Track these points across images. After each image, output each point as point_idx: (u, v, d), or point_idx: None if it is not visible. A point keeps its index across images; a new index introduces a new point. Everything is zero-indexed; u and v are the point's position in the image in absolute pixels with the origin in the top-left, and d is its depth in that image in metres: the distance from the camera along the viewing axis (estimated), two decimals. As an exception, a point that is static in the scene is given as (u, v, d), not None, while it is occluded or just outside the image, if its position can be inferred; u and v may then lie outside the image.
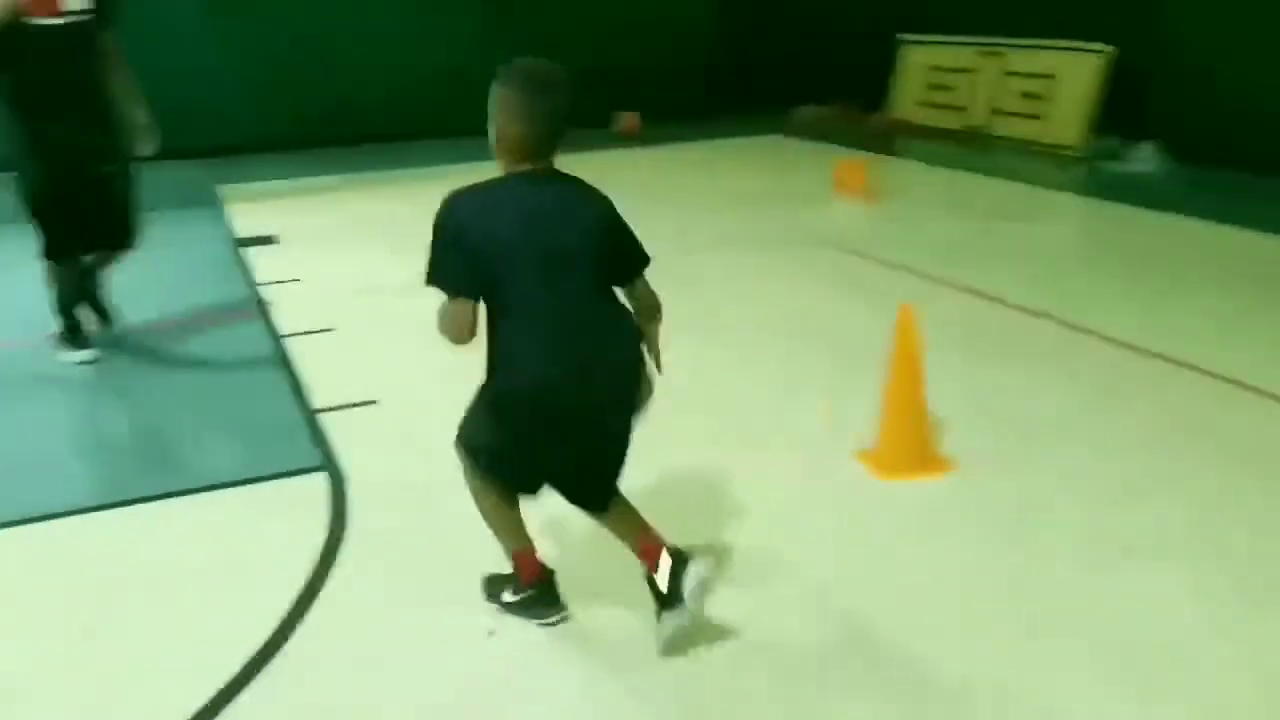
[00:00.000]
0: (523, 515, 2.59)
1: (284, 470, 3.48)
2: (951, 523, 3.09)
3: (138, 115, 4.42)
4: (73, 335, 4.60)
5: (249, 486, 3.40)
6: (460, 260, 2.26)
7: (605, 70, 10.68)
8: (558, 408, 2.34)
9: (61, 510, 3.27)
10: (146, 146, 4.47)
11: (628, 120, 10.29)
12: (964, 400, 3.81)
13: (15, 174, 4.29)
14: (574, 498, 2.53)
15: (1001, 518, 3.11)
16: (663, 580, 2.45)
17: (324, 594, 2.79)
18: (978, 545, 2.96)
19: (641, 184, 8.76)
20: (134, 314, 5.01)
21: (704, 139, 9.94)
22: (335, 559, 2.95)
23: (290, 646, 2.58)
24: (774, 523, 3.10)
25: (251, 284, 5.65)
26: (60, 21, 4.14)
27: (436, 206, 2.32)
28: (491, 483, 2.51)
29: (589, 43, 10.67)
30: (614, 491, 2.53)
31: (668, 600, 2.44)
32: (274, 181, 8.44)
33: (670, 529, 2.58)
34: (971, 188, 7.74)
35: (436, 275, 2.28)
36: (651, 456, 2.72)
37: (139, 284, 5.16)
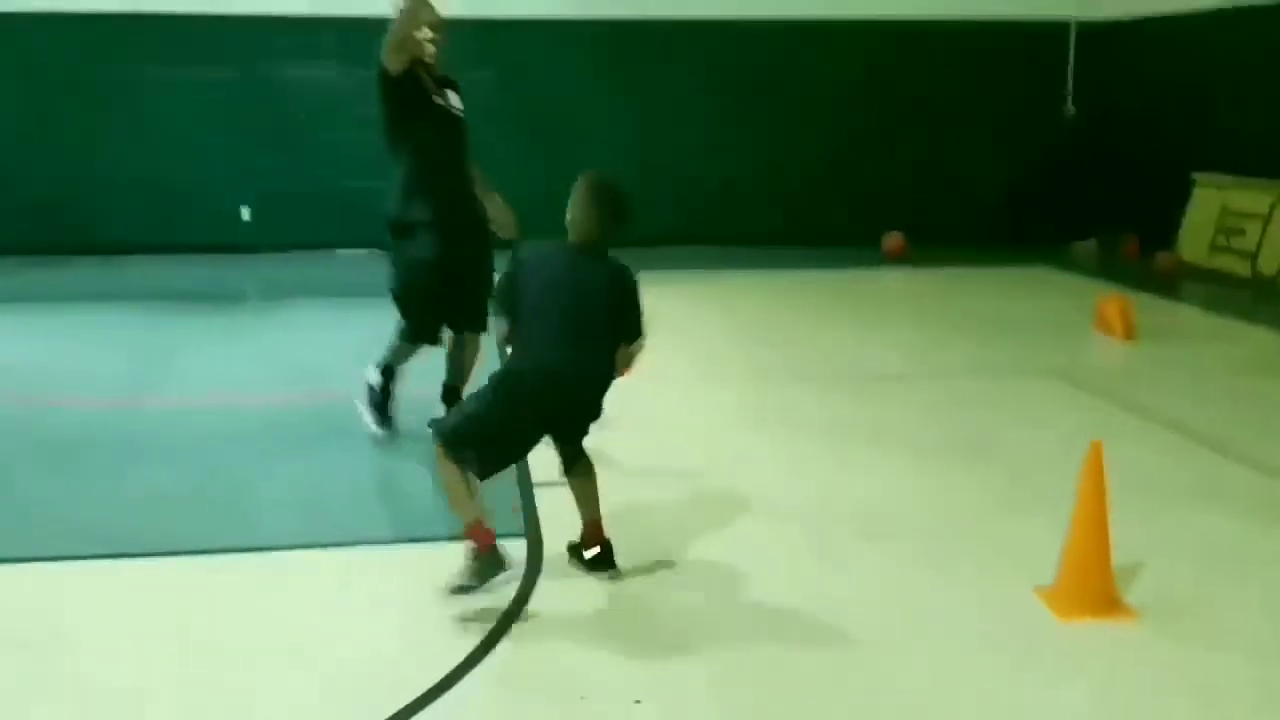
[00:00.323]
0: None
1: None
2: (1128, 671, 2.98)
3: (494, 203, 4.85)
4: (382, 404, 4.90)
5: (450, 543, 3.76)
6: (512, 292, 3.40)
7: (875, 191, 10.96)
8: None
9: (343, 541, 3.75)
10: (507, 230, 4.83)
11: (893, 241, 10.37)
12: (1161, 546, 3.67)
13: (398, 249, 4.72)
14: (559, 436, 3.44)
15: (1182, 671, 2.97)
16: (589, 556, 3.50)
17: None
18: (1153, 699, 2.85)
19: (895, 303, 8.88)
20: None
21: (969, 265, 9.88)
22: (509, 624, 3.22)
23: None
24: (944, 651, 3.10)
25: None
26: (448, 106, 4.74)
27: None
28: (460, 462, 3.24)
29: (860, 162, 11.00)
30: (580, 442, 3.46)
31: (590, 566, 3.50)
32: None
33: (838, 635, 2.67)
34: (1243, 339, 7.28)
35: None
36: (834, 564, 2.83)
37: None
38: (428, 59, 4.66)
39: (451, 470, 3.26)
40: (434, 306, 4.75)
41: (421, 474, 4.29)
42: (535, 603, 3.34)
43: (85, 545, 3.73)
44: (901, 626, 3.23)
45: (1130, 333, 6.96)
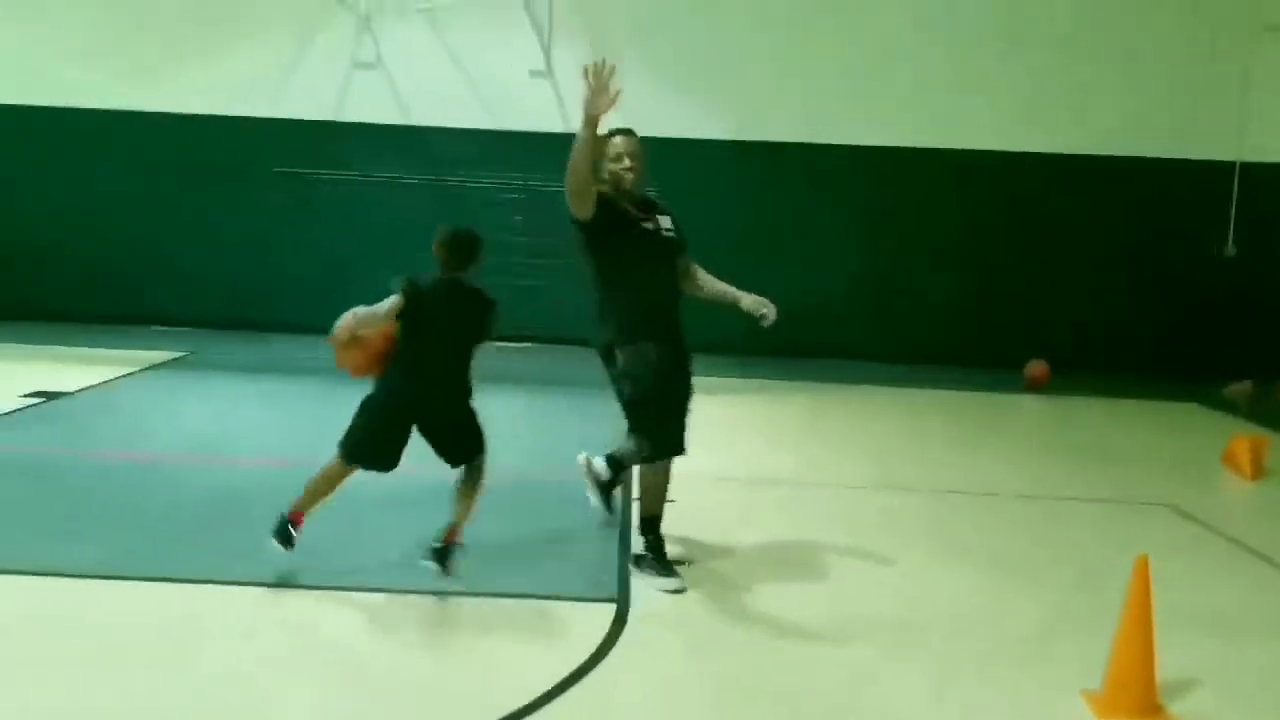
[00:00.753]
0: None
1: (581, 595, 4.27)
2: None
3: (740, 296, 4.70)
4: (606, 489, 5.05)
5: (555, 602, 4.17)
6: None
7: (1026, 318, 11.06)
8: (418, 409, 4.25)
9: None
10: (768, 313, 4.62)
11: (1037, 369, 10.40)
12: (1222, 671, 3.77)
13: (628, 366, 4.49)
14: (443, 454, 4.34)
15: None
16: (438, 553, 4.20)
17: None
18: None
19: (1026, 427, 8.94)
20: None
21: (1113, 397, 9.84)
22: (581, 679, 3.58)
23: None
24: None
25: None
26: (656, 230, 4.62)
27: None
28: (349, 465, 4.24)
29: (1014, 290, 11.14)
30: (466, 459, 4.34)
31: (433, 556, 4.21)
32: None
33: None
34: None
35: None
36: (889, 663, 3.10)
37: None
38: (627, 188, 4.57)
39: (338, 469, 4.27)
40: (679, 415, 4.57)
41: (573, 537, 4.73)
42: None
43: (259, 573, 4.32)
44: (950, 708, 3.46)
45: (1258, 472, 6.88)
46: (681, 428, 4.57)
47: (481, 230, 4.49)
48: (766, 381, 9.73)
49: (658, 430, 4.51)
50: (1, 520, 5.00)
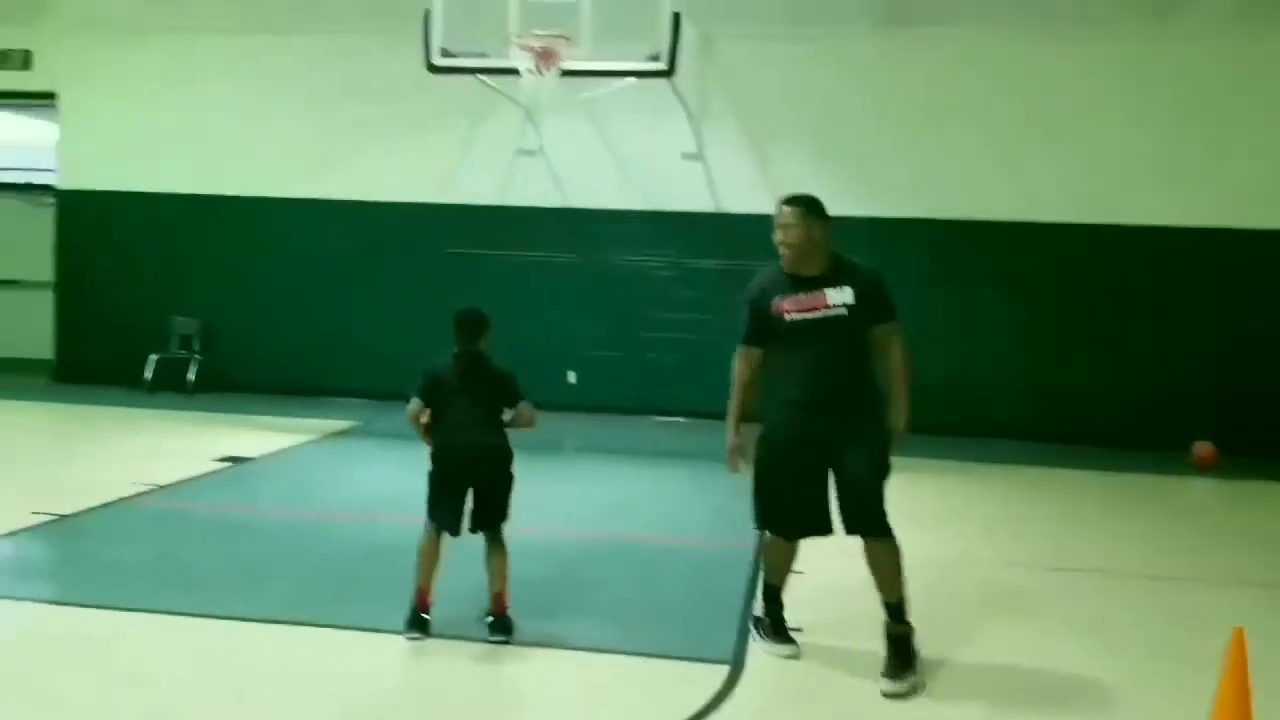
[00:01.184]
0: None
1: (696, 655, 4.53)
2: None
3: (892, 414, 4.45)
4: (774, 625, 4.73)
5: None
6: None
7: (1181, 395, 10.72)
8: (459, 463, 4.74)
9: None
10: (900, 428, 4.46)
11: (1202, 450, 10.02)
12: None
13: (755, 445, 4.51)
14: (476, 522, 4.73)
15: None
16: (497, 626, 4.58)
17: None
18: None
19: (1183, 510, 8.67)
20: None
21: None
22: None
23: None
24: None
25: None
26: (804, 318, 4.42)
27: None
28: (430, 529, 4.70)
29: (1180, 367, 10.82)
30: (490, 525, 4.75)
31: (492, 629, 4.58)
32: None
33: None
34: None
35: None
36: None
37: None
38: (785, 268, 4.51)
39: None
40: (786, 495, 4.52)
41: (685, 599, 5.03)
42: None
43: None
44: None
45: None
46: (788, 508, 4.50)
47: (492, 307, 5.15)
48: (914, 460, 9.75)
49: (761, 504, 4.59)
50: (186, 571, 5.63)
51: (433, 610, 4.66)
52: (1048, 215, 11.02)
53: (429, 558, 4.72)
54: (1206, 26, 10.75)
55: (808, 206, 4.49)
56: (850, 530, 4.44)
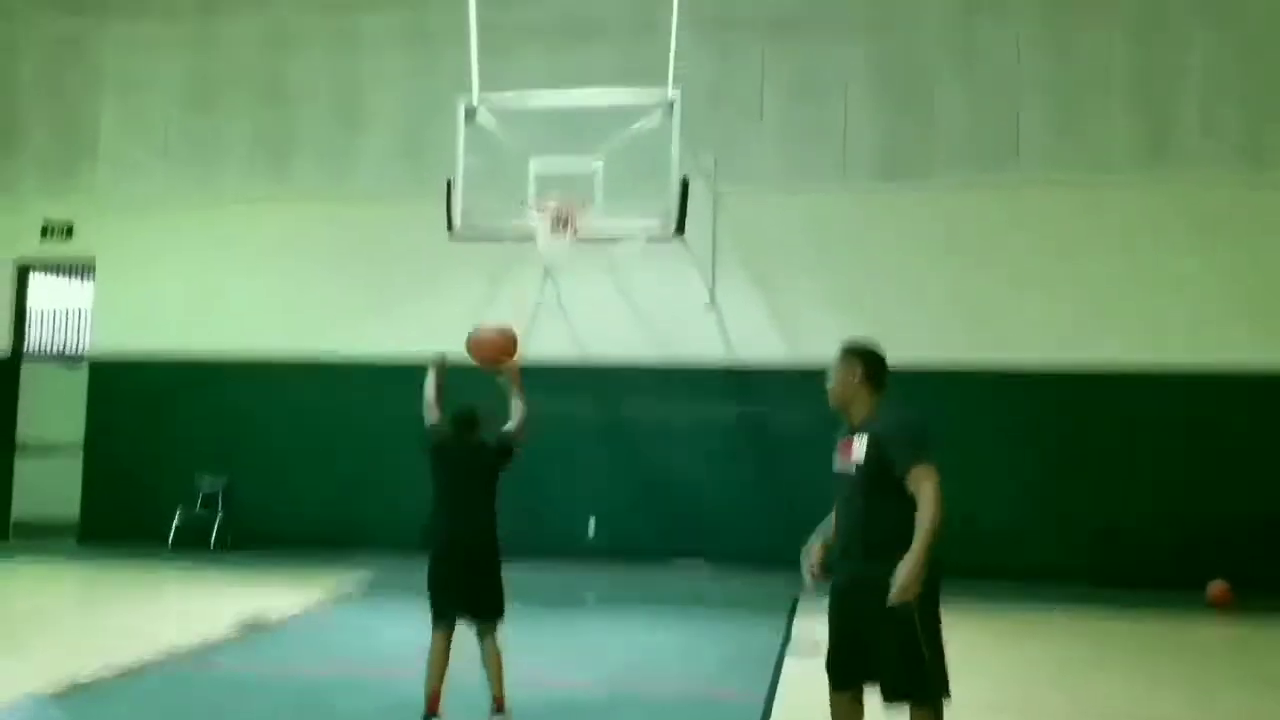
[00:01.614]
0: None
1: None
2: None
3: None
4: None
5: None
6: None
7: (1192, 534, 10.68)
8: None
9: None
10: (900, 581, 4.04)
11: (1216, 590, 9.95)
12: None
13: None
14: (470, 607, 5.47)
15: None
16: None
17: None
18: None
19: (1209, 659, 8.54)
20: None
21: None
22: None
23: None
24: None
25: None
26: (841, 467, 4.36)
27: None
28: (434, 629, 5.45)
29: (1192, 508, 10.82)
30: (488, 615, 5.50)
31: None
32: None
33: None
34: None
35: None
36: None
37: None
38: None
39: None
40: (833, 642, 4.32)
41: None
42: None
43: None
44: None
45: None
46: (831, 655, 4.28)
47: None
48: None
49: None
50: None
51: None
52: (1049, 359, 11.23)
53: (438, 661, 5.17)
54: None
55: (850, 350, 4.46)
56: (884, 698, 4.13)
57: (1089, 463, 11.18)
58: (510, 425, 5.90)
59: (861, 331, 11.15)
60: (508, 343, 6.35)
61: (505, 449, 5.80)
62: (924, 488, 4.09)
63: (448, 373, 6.43)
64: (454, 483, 5.64)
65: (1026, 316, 11.31)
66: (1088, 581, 10.60)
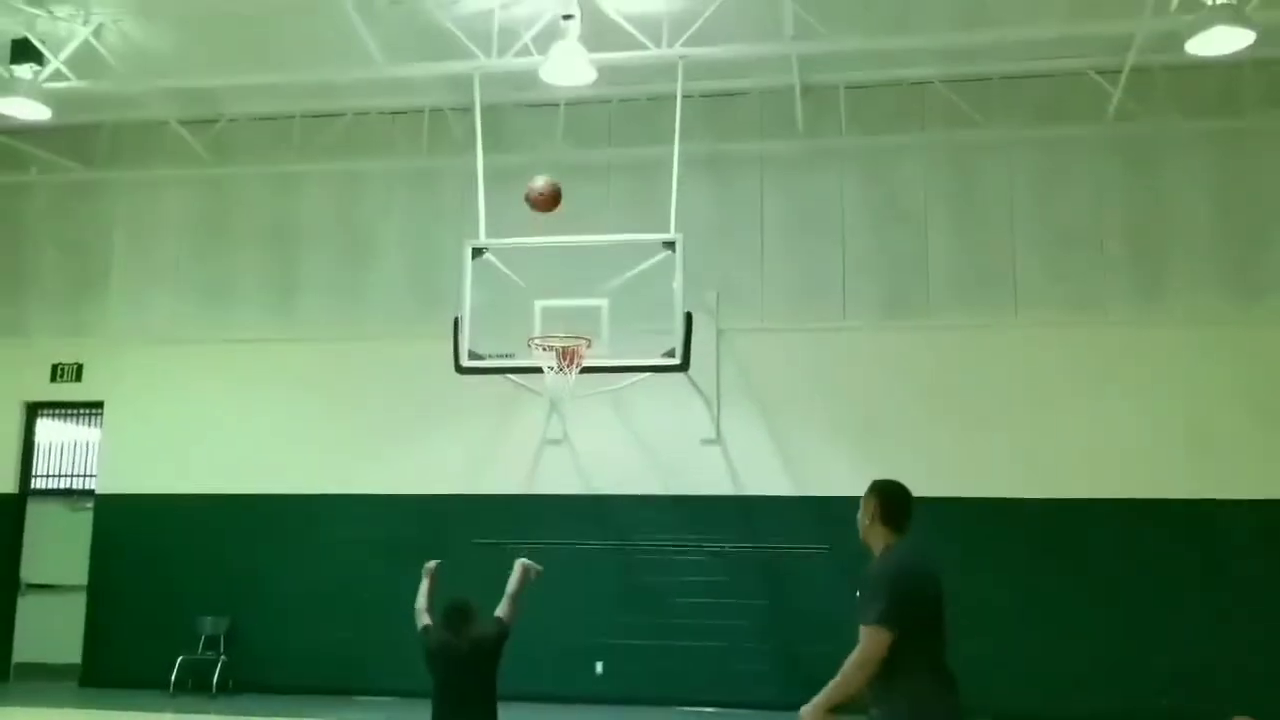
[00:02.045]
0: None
1: None
2: None
3: None
4: None
5: None
6: None
7: (1212, 673, 10.47)
8: None
9: None
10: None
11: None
12: None
13: None
14: None
15: None
16: None
17: None
18: None
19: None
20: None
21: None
22: None
23: None
24: None
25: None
26: None
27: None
28: None
29: (1191, 642, 10.65)
30: None
31: None
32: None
33: None
34: None
35: None
36: None
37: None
38: None
39: None
40: None
41: None
42: None
43: None
44: None
45: None
46: None
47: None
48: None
49: None
50: None
51: None
52: (1060, 492, 11.21)
53: None
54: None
55: (871, 487, 4.41)
56: None
57: (1096, 598, 11.04)
58: (502, 609, 5.97)
59: (863, 464, 11.36)
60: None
61: (504, 634, 5.86)
62: (859, 646, 4.01)
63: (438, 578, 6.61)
64: (457, 681, 5.65)
65: (1025, 450, 11.32)
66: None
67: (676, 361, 9.61)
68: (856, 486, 11.68)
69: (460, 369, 9.98)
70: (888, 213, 12.12)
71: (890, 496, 4.35)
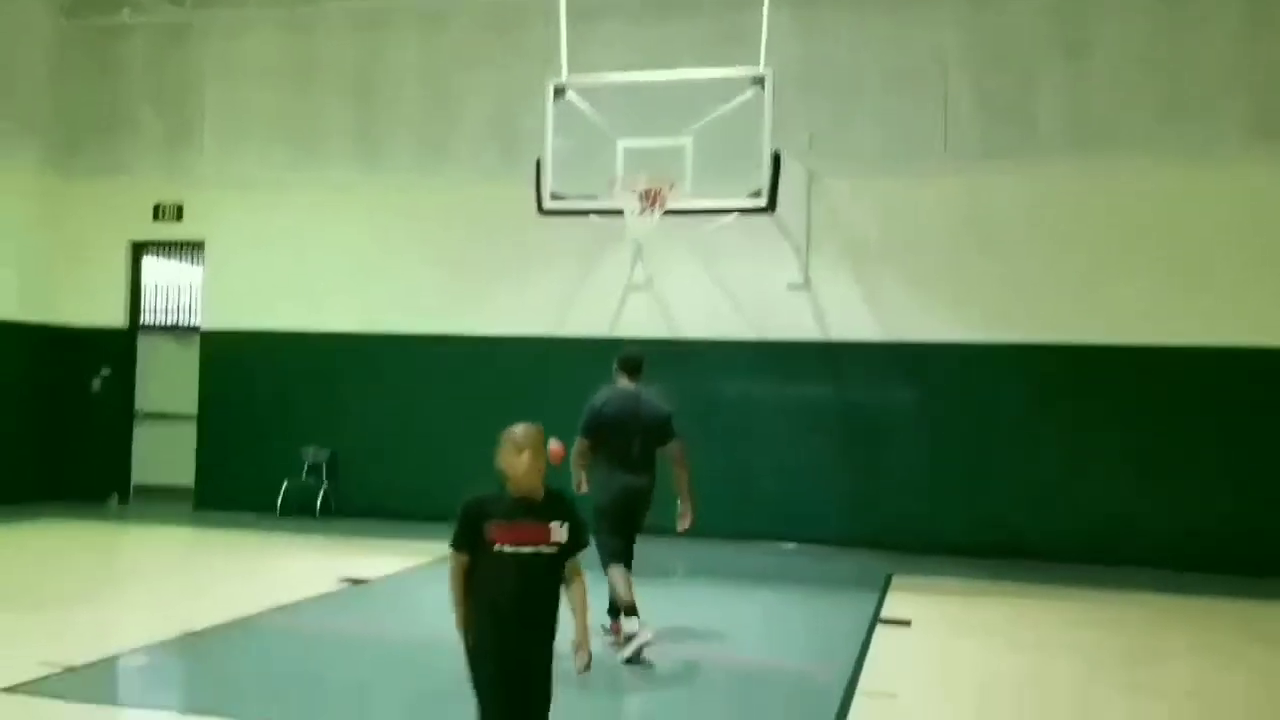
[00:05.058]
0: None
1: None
2: None
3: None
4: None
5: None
6: None
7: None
8: None
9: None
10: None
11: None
12: None
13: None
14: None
15: None
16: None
17: None
18: None
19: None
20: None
21: None
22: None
23: None
24: None
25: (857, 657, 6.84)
26: None
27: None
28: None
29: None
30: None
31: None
32: (943, 579, 9.69)
33: None
34: None
35: None
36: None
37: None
38: None
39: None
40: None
41: None
42: None
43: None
44: None
45: None
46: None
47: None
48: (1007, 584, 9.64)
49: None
50: (305, 688, 5.94)
51: None
52: (1134, 338, 10.96)
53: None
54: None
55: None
56: None
57: (1181, 446, 10.88)
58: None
59: (954, 311, 11.26)
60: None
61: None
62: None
63: None
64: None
65: (1124, 295, 11.03)
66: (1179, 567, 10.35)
67: (763, 203, 9.48)
68: (946, 334, 11.70)
69: (543, 210, 10.00)
70: (990, 54, 11.56)
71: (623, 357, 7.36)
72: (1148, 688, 6.41)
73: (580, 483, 6.97)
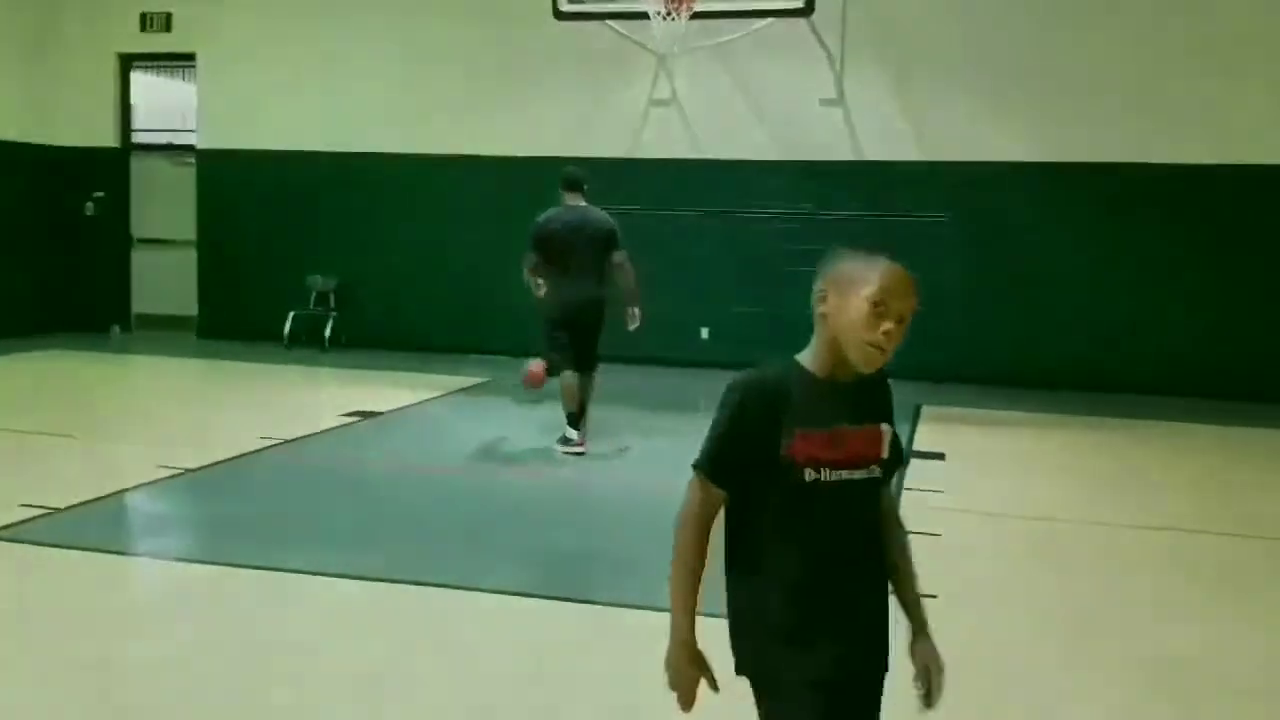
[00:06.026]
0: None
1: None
2: None
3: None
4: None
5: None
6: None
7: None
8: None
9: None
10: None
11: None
12: None
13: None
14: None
15: None
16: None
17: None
18: None
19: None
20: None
21: None
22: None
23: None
24: None
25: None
26: None
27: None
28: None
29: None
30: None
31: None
32: (972, 409, 9.22)
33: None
34: None
35: None
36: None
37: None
38: None
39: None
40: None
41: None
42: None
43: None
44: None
45: None
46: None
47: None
48: (1057, 416, 9.17)
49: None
50: (303, 526, 5.54)
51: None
52: (1200, 158, 10.19)
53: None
54: None
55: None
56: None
57: (1242, 270, 10.24)
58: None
59: (999, 127, 10.43)
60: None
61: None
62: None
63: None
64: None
65: (1159, 113, 10.22)
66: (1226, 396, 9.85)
67: (800, 4, 8.59)
68: (990, 152, 10.87)
69: (559, 14, 9.15)
70: None
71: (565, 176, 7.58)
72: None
73: (539, 286, 7.28)
